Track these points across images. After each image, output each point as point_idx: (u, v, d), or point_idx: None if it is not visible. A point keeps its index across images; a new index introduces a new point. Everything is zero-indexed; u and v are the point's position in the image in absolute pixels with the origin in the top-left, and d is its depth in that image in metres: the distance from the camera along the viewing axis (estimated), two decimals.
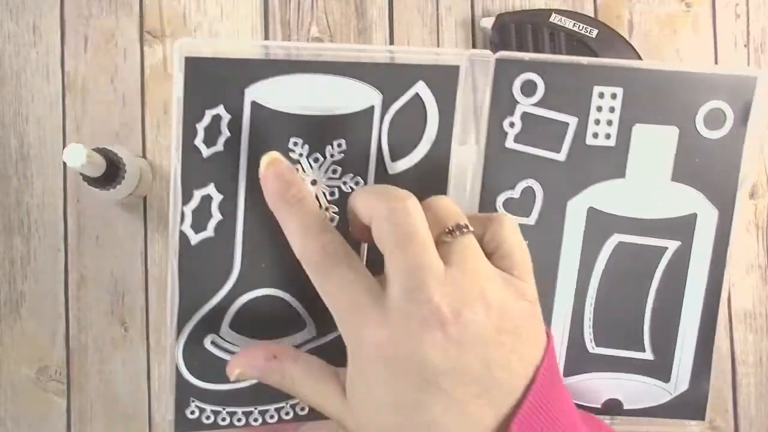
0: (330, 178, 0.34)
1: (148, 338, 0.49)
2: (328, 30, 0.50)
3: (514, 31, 0.49)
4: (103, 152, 0.42)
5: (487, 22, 0.49)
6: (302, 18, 0.50)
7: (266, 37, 0.50)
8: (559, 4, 0.51)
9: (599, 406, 0.39)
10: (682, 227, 0.37)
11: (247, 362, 0.33)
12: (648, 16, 0.51)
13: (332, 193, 0.34)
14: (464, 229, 0.31)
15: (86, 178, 0.42)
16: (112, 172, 0.42)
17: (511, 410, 0.29)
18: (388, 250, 0.30)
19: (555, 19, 0.48)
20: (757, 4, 0.52)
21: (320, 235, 0.31)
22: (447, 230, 0.31)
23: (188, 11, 0.49)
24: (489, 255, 0.32)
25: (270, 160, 0.32)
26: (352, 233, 0.34)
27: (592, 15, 0.51)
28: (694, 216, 0.37)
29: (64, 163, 0.46)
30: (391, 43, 0.50)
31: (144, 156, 0.49)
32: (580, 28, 0.48)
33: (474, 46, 0.51)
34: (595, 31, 0.48)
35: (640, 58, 0.49)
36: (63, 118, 0.49)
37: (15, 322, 0.48)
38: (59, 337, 0.48)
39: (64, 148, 0.47)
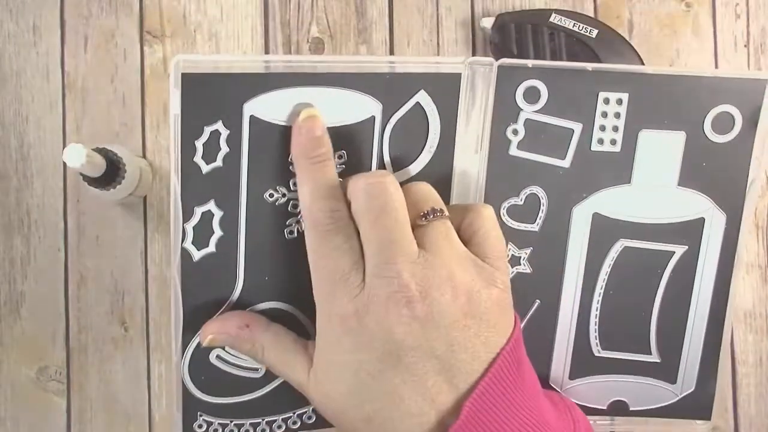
0: None
1: (148, 338, 0.49)
2: (328, 30, 0.50)
3: (514, 31, 0.49)
4: (103, 152, 0.42)
5: (487, 22, 0.49)
6: (302, 18, 0.50)
7: (266, 37, 0.50)
8: (559, 4, 0.51)
9: (605, 407, 0.39)
10: (690, 231, 0.37)
11: (219, 329, 0.33)
12: (648, 16, 0.51)
13: None
14: (439, 213, 0.31)
15: (86, 178, 0.42)
16: (112, 172, 0.42)
17: (468, 390, 0.30)
18: (363, 223, 0.31)
19: (555, 19, 0.48)
20: (757, 4, 0.52)
21: (330, 200, 0.31)
22: (422, 214, 0.31)
23: (188, 11, 0.49)
24: (465, 242, 0.32)
25: (309, 115, 0.33)
26: None
27: (592, 15, 0.51)
28: (701, 220, 0.37)
29: (64, 163, 0.46)
30: (391, 43, 0.50)
31: (144, 156, 0.49)
32: (580, 28, 0.48)
33: (474, 46, 0.51)
34: (595, 31, 0.48)
35: (640, 58, 0.49)
36: (63, 118, 0.49)
37: (15, 322, 0.48)
38: (59, 337, 0.48)
39: (64, 148, 0.47)
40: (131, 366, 0.48)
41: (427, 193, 0.32)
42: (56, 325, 0.48)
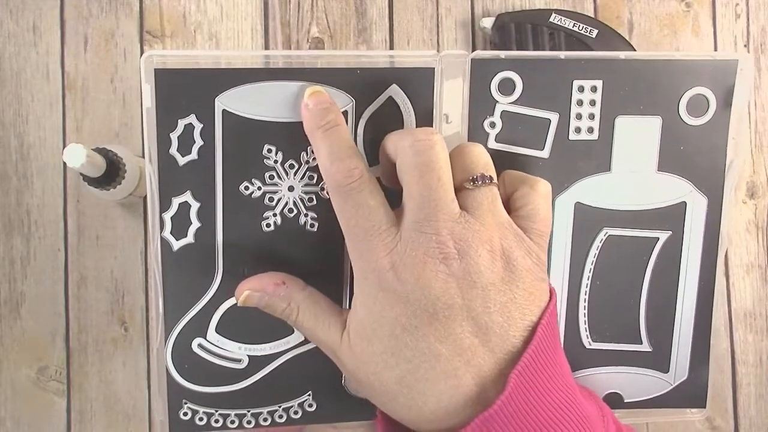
0: (307, 185, 0.34)
1: (148, 338, 0.49)
2: (328, 30, 0.50)
3: (514, 31, 0.49)
4: (103, 152, 0.42)
5: (487, 22, 0.49)
6: (302, 18, 0.50)
7: (266, 37, 0.50)
8: (559, 4, 0.51)
9: None
10: (672, 217, 0.37)
11: (255, 285, 0.33)
12: (648, 16, 0.51)
13: (310, 200, 0.35)
14: (488, 180, 0.31)
15: (86, 178, 0.42)
16: (112, 172, 0.42)
17: (510, 359, 0.30)
18: (406, 179, 0.31)
19: (555, 19, 0.48)
20: (757, 4, 0.52)
21: (349, 160, 0.31)
22: (471, 178, 0.31)
23: (188, 11, 0.49)
24: (512, 211, 0.32)
25: (313, 91, 0.33)
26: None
27: (592, 15, 0.51)
28: (683, 205, 0.37)
29: (64, 163, 0.46)
30: (391, 43, 0.50)
31: (144, 156, 0.49)
32: (580, 28, 0.48)
33: (474, 46, 0.51)
34: (595, 31, 0.48)
35: None
36: (63, 118, 0.49)
37: (15, 322, 0.48)
38: (59, 337, 0.48)
39: (64, 148, 0.47)
40: (131, 366, 0.48)
41: (480, 156, 0.32)
42: (56, 325, 0.48)
